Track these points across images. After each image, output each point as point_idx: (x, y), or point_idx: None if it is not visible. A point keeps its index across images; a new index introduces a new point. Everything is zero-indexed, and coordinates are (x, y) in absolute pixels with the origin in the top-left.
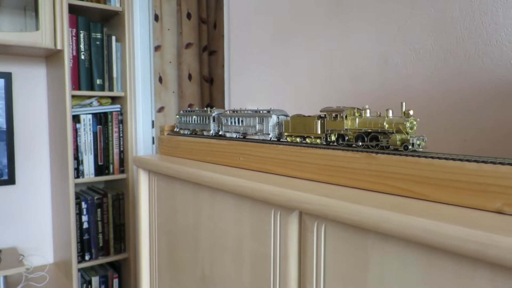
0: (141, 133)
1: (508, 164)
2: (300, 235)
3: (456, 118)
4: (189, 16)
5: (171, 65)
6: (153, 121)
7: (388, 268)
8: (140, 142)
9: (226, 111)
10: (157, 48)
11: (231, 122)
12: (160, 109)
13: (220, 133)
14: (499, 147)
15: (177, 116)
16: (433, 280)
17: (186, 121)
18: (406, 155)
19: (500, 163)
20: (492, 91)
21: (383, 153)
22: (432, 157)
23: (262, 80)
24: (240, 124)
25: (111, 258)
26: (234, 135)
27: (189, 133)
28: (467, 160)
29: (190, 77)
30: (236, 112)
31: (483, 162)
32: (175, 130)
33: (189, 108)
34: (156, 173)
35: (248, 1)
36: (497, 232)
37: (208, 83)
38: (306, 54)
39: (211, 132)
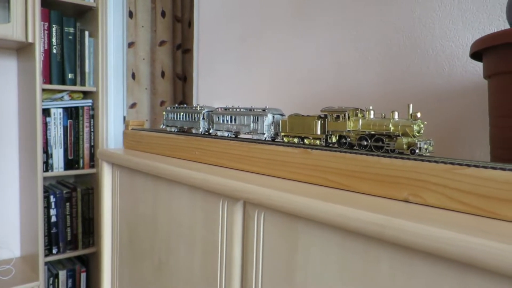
0: (112, 129)
1: (414, 159)
2: (244, 222)
3: None
4: (163, 14)
5: (144, 62)
6: (124, 117)
7: (314, 249)
8: (111, 137)
9: (218, 108)
10: (130, 44)
11: (223, 120)
12: (133, 105)
13: (210, 131)
14: (435, 146)
15: (164, 113)
16: (347, 258)
17: (174, 118)
18: (335, 150)
19: (407, 158)
20: (428, 96)
21: (317, 149)
22: (356, 153)
23: (229, 78)
24: (233, 123)
25: (79, 252)
26: (225, 134)
27: (176, 130)
28: (383, 156)
29: (163, 74)
30: (229, 110)
31: (394, 157)
32: (161, 127)
33: (177, 105)
34: (119, 166)
35: (218, 2)
36: (396, 216)
37: (181, 81)
38: (270, 56)
39: (200, 130)
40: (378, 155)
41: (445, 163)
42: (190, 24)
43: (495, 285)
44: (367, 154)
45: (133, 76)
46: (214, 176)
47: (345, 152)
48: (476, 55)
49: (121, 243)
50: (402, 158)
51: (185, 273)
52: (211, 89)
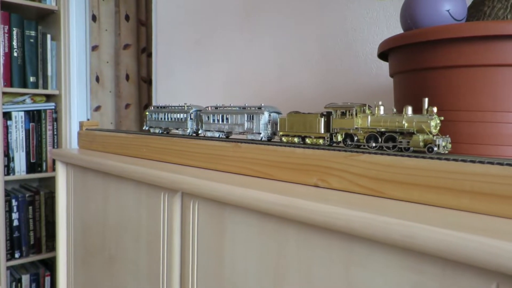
0: (76, 131)
1: (322, 149)
2: (182, 212)
3: None
4: (127, 18)
5: (108, 65)
6: (88, 120)
7: (238, 231)
8: (75, 140)
9: (207, 107)
10: (94, 48)
11: (214, 120)
12: (97, 108)
13: (199, 132)
14: None
15: (147, 113)
16: (264, 237)
17: (158, 118)
18: (262, 144)
19: (317, 148)
20: (359, 93)
21: (245, 143)
22: (276, 145)
23: (187, 80)
24: (225, 122)
25: (43, 256)
26: (216, 135)
27: (161, 131)
28: (298, 147)
29: (127, 77)
30: (220, 108)
31: (307, 148)
32: (144, 128)
33: (161, 104)
34: (73, 165)
35: (174, 6)
36: (299, 198)
37: (146, 84)
38: (222, 57)
39: (188, 131)
40: (294, 147)
41: (345, 151)
42: None
43: (374, 251)
44: (285, 146)
45: (97, 79)
46: (155, 170)
47: (268, 144)
48: (383, 55)
49: (75, 242)
50: (312, 148)
51: (131, 265)
52: (170, 91)
